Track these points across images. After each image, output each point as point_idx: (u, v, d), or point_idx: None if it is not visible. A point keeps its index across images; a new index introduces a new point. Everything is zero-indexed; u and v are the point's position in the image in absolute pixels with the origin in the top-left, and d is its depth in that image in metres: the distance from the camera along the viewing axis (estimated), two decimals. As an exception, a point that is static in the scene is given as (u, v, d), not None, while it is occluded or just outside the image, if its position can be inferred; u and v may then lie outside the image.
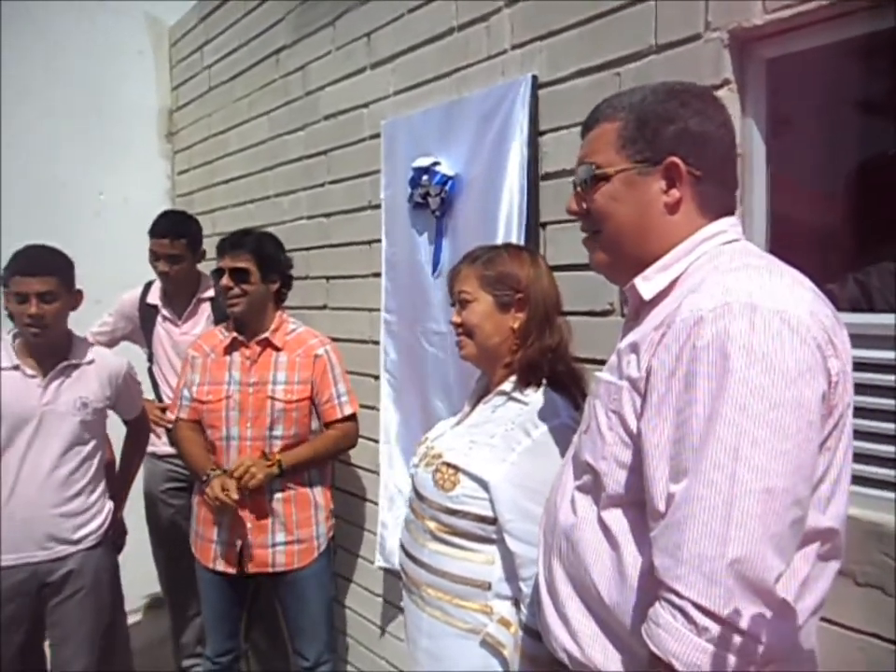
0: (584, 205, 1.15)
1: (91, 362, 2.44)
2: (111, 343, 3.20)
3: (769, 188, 1.58)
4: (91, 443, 2.41)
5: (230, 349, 2.45)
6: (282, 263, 2.51)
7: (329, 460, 2.55)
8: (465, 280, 1.61)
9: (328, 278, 2.83)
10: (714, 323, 0.91)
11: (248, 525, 2.38)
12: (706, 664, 0.84)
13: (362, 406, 2.76)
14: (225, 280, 2.38)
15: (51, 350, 2.37)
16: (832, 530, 0.99)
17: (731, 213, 1.13)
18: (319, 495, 2.50)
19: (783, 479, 0.86)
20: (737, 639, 0.83)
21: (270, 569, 2.42)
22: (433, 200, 2.23)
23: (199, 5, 3.86)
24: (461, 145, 2.17)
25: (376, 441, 2.66)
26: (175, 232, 2.92)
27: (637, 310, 1.13)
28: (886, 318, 1.39)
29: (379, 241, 2.59)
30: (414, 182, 2.28)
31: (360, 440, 2.62)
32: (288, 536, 2.42)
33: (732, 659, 0.84)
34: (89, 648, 2.40)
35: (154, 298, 3.11)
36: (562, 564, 1.14)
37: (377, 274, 2.64)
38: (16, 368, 2.33)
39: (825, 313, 0.96)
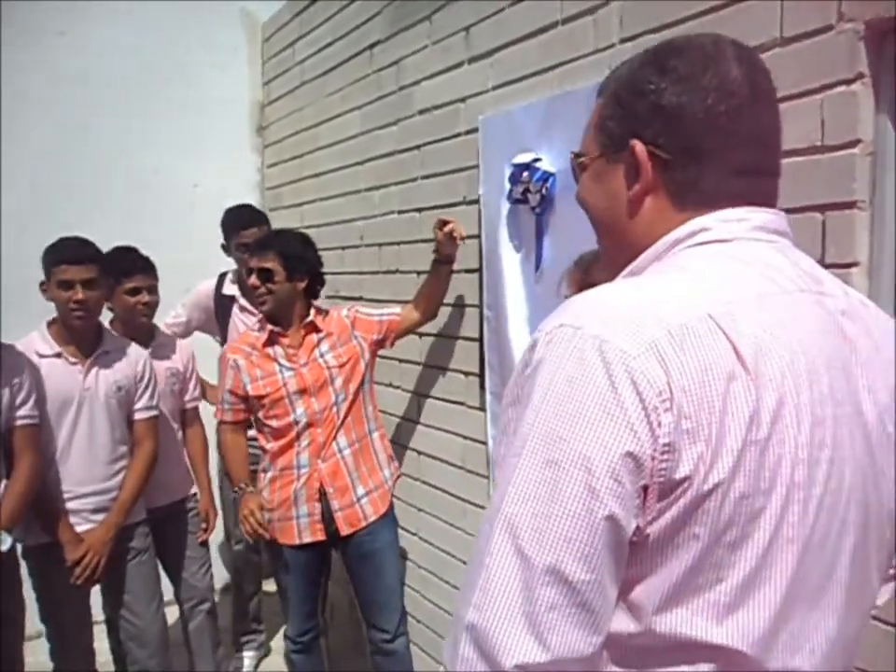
0: None
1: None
2: (186, 334, 3.30)
3: (902, 188, 1.50)
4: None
5: (269, 343, 2.58)
6: (309, 262, 2.61)
7: None
8: (569, 283, 1.61)
9: (418, 273, 2.82)
10: (541, 348, 0.75)
11: (330, 489, 2.52)
12: None
13: (451, 402, 2.76)
14: (252, 279, 2.53)
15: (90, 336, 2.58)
16: (730, 651, 0.71)
17: (744, 202, 0.83)
18: (377, 441, 2.68)
19: (546, 551, 0.68)
20: None
21: (363, 523, 2.56)
22: (533, 196, 2.20)
23: (292, 1, 3.92)
24: (564, 140, 2.12)
25: (479, 442, 2.63)
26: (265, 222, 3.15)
27: None
28: None
29: (473, 236, 2.57)
30: (514, 178, 2.25)
31: (460, 441, 2.70)
32: (365, 487, 2.57)
33: None
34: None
35: (230, 289, 3.19)
36: None
37: (469, 270, 2.63)
38: (58, 355, 2.51)
39: (706, 346, 0.70)
